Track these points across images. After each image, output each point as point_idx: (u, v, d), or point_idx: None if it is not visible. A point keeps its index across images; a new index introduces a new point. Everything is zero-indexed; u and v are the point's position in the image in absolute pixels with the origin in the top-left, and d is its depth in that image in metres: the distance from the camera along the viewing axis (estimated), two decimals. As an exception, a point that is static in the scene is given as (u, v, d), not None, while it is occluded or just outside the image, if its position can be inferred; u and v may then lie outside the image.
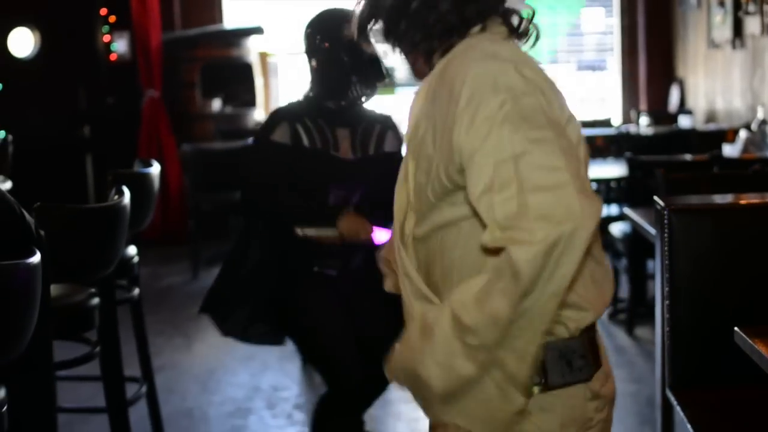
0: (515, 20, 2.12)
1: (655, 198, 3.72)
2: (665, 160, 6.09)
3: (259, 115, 9.72)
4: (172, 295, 7.76)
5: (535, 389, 1.99)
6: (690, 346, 3.48)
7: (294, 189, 3.79)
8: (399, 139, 3.94)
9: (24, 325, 2.50)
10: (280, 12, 10.70)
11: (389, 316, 3.73)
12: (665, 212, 3.58)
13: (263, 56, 10.10)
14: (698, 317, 3.48)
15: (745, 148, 6.59)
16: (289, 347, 6.19)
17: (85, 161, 9.14)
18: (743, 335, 3.00)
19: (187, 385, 5.68)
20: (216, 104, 9.60)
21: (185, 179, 8.64)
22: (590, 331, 2.06)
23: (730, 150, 6.75)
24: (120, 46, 9.25)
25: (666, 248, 3.58)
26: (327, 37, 3.77)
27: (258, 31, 9.67)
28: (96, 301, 3.76)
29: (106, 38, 9.21)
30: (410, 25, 2.11)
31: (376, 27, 2.19)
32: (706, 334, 3.46)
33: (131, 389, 4.51)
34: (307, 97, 3.87)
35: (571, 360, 2.02)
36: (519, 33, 2.13)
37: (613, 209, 6.89)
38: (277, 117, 3.83)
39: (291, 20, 10.69)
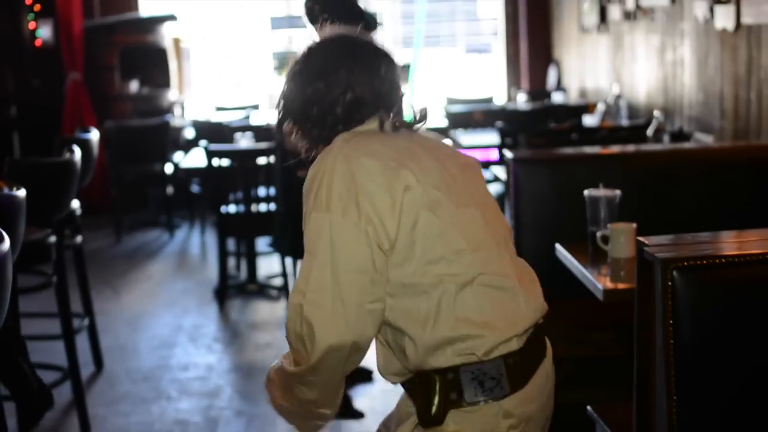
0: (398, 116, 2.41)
1: (504, 151, 4.66)
2: (531, 128, 7.02)
3: (173, 95, 10.48)
4: (99, 257, 8.45)
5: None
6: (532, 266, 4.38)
7: None
8: None
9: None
10: (192, 1, 11.39)
11: None
12: (510, 162, 4.52)
13: (176, 42, 10.77)
14: (538, 243, 4.36)
15: (602, 118, 7.57)
16: (207, 295, 7.04)
17: (12, 139, 9.75)
18: (562, 249, 3.93)
19: (118, 326, 6.48)
20: (133, 86, 10.30)
21: (107, 154, 9.32)
22: (512, 356, 2.27)
23: (589, 120, 7.72)
24: (44, 32, 9.83)
25: (512, 190, 4.51)
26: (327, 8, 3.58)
27: (171, 18, 10.39)
28: (53, 239, 4.60)
29: (32, 25, 9.80)
30: (314, 125, 2.38)
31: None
32: (544, 256, 4.34)
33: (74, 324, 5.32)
34: None
35: (483, 381, 2.24)
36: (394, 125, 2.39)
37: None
38: None
39: (202, 8, 11.39)
